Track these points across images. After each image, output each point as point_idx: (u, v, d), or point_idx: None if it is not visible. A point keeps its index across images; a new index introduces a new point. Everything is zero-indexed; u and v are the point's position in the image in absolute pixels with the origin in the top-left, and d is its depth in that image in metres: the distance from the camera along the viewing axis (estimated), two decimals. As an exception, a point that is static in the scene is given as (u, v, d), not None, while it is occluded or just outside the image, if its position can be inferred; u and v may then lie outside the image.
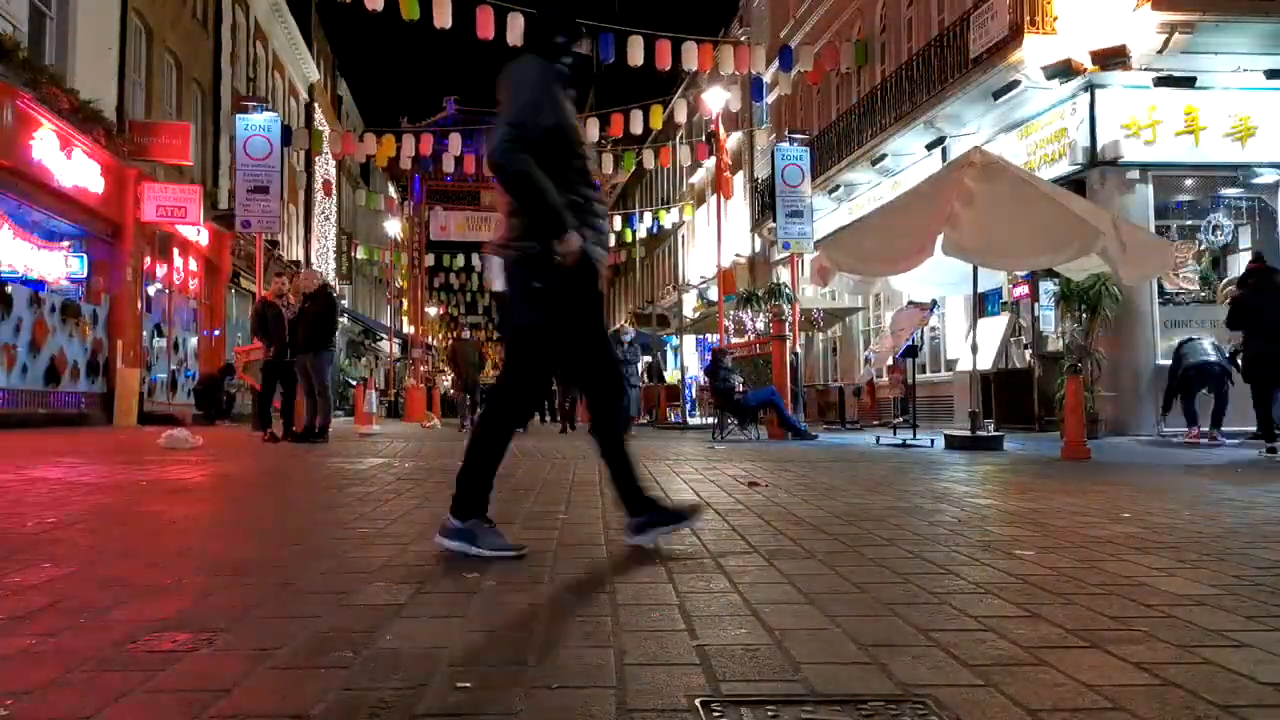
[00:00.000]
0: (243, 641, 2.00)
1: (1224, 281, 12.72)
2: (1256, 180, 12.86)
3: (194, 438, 9.11)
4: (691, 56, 18.33)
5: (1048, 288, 13.31)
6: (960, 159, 10.01)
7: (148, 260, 17.62)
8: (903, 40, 19.00)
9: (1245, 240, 13.21)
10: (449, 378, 29.07)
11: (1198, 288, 12.97)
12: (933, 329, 17.46)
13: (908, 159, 17.76)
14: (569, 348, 3.05)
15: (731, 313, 18.92)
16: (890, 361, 14.37)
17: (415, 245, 33.31)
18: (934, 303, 14.95)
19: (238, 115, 16.46)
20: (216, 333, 21.90)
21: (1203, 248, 13.03)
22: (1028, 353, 14.29)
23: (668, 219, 33.61)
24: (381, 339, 40.34)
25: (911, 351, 12.41)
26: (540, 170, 2.83)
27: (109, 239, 16.20)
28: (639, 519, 3.11)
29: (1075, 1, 12.81)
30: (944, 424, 14.62)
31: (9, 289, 13.11)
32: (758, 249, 27.24)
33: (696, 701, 1.60)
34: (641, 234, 33.75)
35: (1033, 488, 5.52)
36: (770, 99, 26.26)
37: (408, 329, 37.87)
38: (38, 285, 14.01)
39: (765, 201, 22.91)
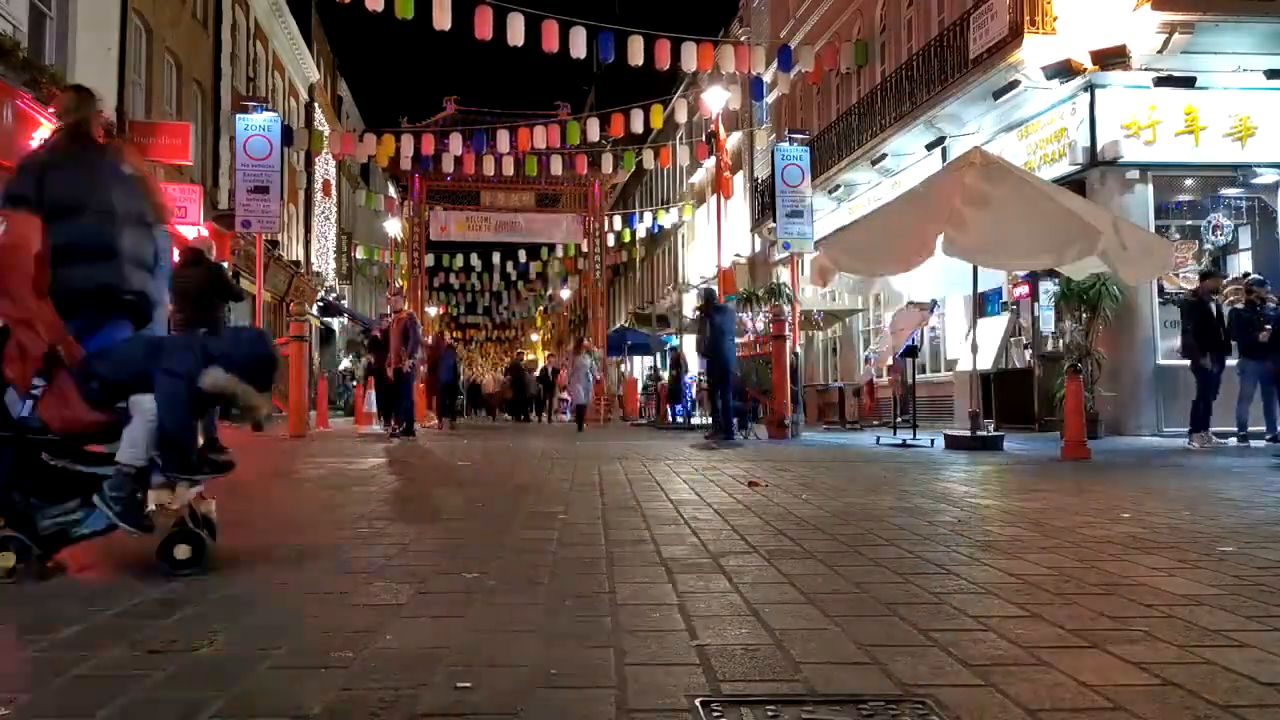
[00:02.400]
0: (243, 641, 2.00)
1: (1225, 281, 12.71)
2: (1256, 180, 12.85)
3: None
4: (691, 56, 18.32)
5: (1048, 288, 13.30)
6: (960, 159, 10.00)
7: (148, 260, 17.60)
8: (903, 40, 18.99)
9: (1245, 240, 13.20)
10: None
11: (1198, 288, 12.95)
12: (933, 329, 17.45)
13: (908, 159, 17.75)
14: None
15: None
16: (890, 361, 14.36)
17: (415, 245, 33.28)
18: (934, 303, 14.93)
19: (238, 115, 16.43)
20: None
21: (1204, 248, 13.03)
22: (1028, 353, 14.28)
23: (668, 219, 33.59)
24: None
25: (911, 351, 12.39)
26: None
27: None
28: None
29: (1075, 1, 12.80)
30: (944, 424, 14.61)
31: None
32: (758, 249, 27.23)
33: (696, 701, 1.60)
34: (641, 234, 33.74)
35: (1033, 488, 5.52)
36: (770, 99, 26.25)
37: (407, 329, 37.82)
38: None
39: (765, 201, 22.89)
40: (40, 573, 2.64)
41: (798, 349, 14.92)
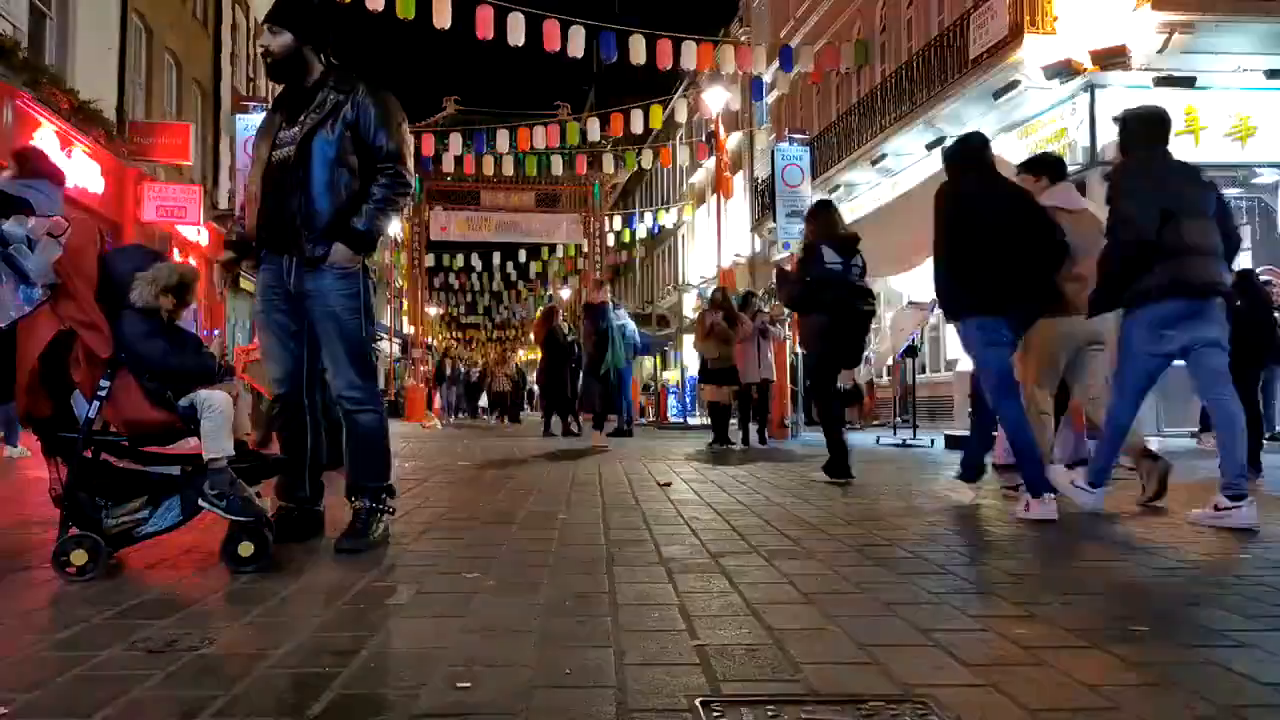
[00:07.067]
0: (243, 641, 2.00)
1: None
2: (1256, 180, 12.85)
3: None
4: (691, 56, 18.32)
5: (1048, 287, 13.29)
6: (960, 159, 9.99)
7: (148, 260, 17.59)
8: (903, 40, 18.99)
9: (1246, 240, 13.18)
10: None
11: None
12: (933, 329, 17.44)
13: (908, 159, 17.74)
14: None
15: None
16: (890, 361, 14.34)
17: (415, 245, 33.29)
18: (934, 302, 14.88)
19: (238, 115, 16.46)
20: (216, 333, 21.88)
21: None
22: (1028, 352, 14.25)
23: (668, 219, 33.58)
24: (381, 339, 40.42)
25: (911, 351, 12.39)
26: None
27: (109, 240, 16.17)
28: None
29: (1075, 1, 12.80)
30: (944, 424, 14.61)
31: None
32: (758, 249, 27.23)
33: (696, 701, 1.60)
34: (641, 234, 33.73)
35: (1033, 488, 5.51)
36: (770, 99, 26.24)
37: (408, 329, 37.89)
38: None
39: (765, 201, 22.89)
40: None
41: (798, 349, 14.92)
